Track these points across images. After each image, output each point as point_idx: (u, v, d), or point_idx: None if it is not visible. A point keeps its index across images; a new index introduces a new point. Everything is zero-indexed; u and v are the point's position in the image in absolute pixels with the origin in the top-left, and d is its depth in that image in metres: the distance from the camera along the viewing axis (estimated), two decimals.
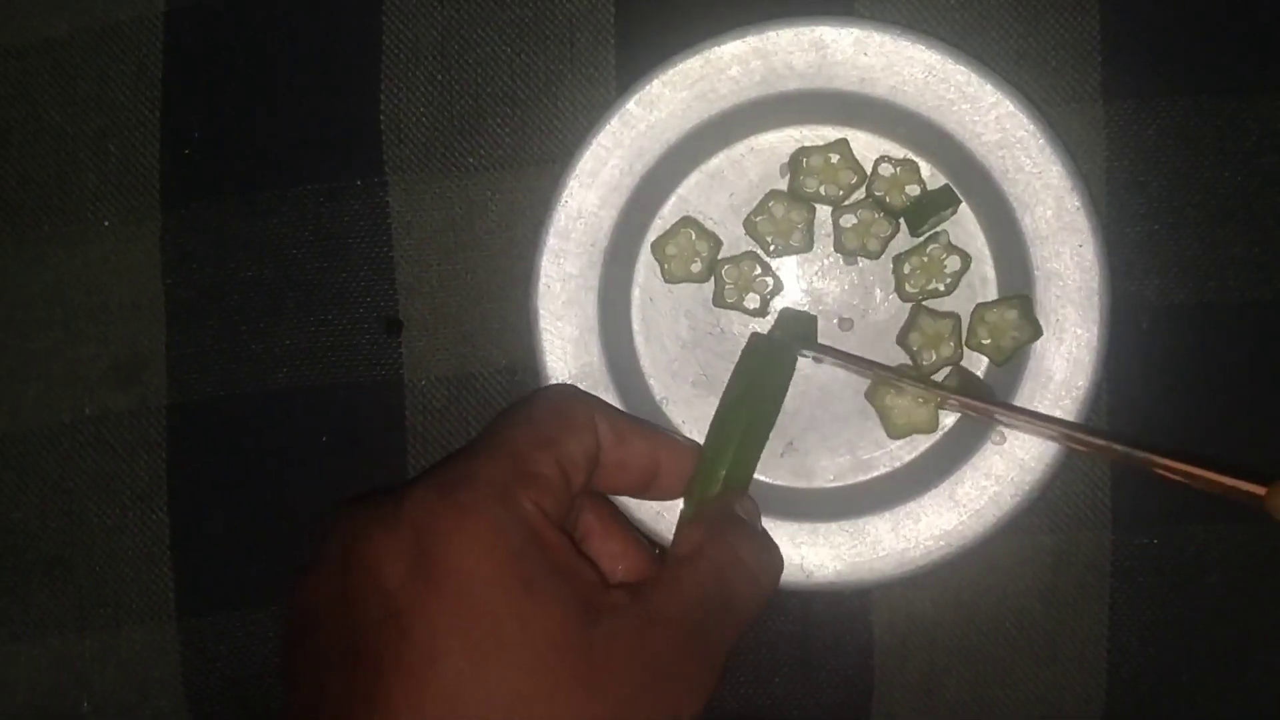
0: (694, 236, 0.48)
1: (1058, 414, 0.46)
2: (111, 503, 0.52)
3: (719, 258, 0.49)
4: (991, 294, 0.48)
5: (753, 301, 0.49)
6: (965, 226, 0.49)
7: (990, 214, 0.48)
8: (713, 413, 0.48)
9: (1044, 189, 0.46)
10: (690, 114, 0.47)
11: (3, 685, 0.53)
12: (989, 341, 0.47)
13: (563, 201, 0.47)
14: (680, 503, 0.45)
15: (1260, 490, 0.36)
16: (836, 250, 0.49)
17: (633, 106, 0.47)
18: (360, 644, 0.36)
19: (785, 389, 0.47)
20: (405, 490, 0.38)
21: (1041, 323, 0.46)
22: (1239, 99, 0.49)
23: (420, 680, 0.35)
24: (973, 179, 0.47)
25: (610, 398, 0.47)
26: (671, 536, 0.46)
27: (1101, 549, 0.50)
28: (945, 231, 0.48)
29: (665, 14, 0.50)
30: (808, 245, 0.49)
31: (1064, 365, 0.46)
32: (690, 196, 0.49)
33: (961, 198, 0.48)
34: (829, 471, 0.49)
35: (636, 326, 0.50)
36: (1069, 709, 0.50)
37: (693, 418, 0.49)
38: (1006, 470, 0.46)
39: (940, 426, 0.49)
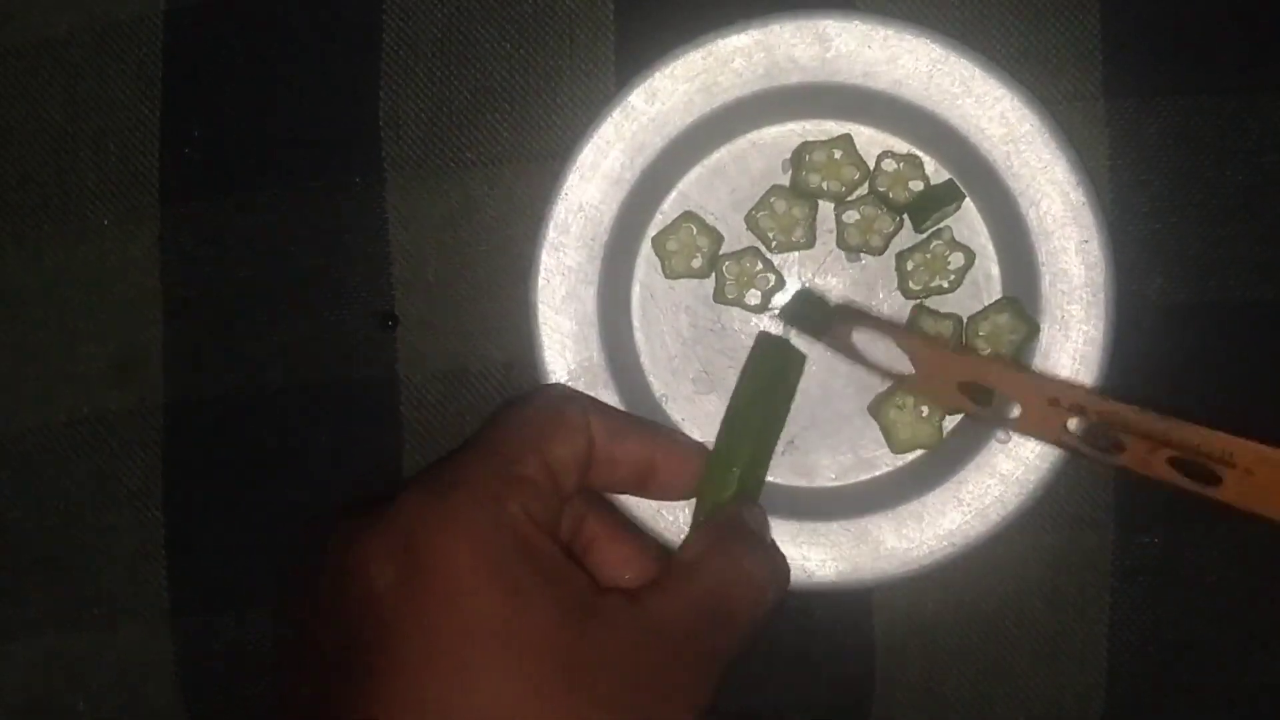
0: (695, 232, 0.48)
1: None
2: (107, 501, 0.52)
3: (720, 253, 0.49)
4: (996, 290, 0.48)
5: (754, 298, 0.48)
6: (969, 222, 0.48)
7: (994, 210, 0.48)
8: (712, 410, 0.48)
9: (1049, 184, 0.46)
10: (692, 107, 0.47)
11: None
12: (989, 351, 0.47)
13: (563, 195, 0.47)
14: (686, 505, 0.45)
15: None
16: (839, 246, 0.49)
17: (634, 99, 0.47)
18: (350, 648, 0.36)
19: (794, 390, 0.47)
20: (398, 494, 0.38)
21: (1046, 320, 0.46)
22: (1241, 98, 0.49)
23: (409, 684, 0.35)
24: (977, 174, 0.47)
25: (609, 394, 0.47)
26: (670, 535, 0.46)
27: (1103, 548, 0.50)
28: (949, 228, 0.48)
29: (665, 10, 0.50)
30: (810, 241, 0.48)
31: (1070, 362, 0.46)
32: (691, 191, 0.49)
33: (965, 193, 0.48)
34: (831, 470, 0.49)
35: (636, 322, 0.49)
36: (1069, 708, 0.50)
37: (693, 415, 0.49)
38: (1012, 469, 0.46)
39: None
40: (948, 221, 0.48)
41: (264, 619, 0.51)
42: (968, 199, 0.48)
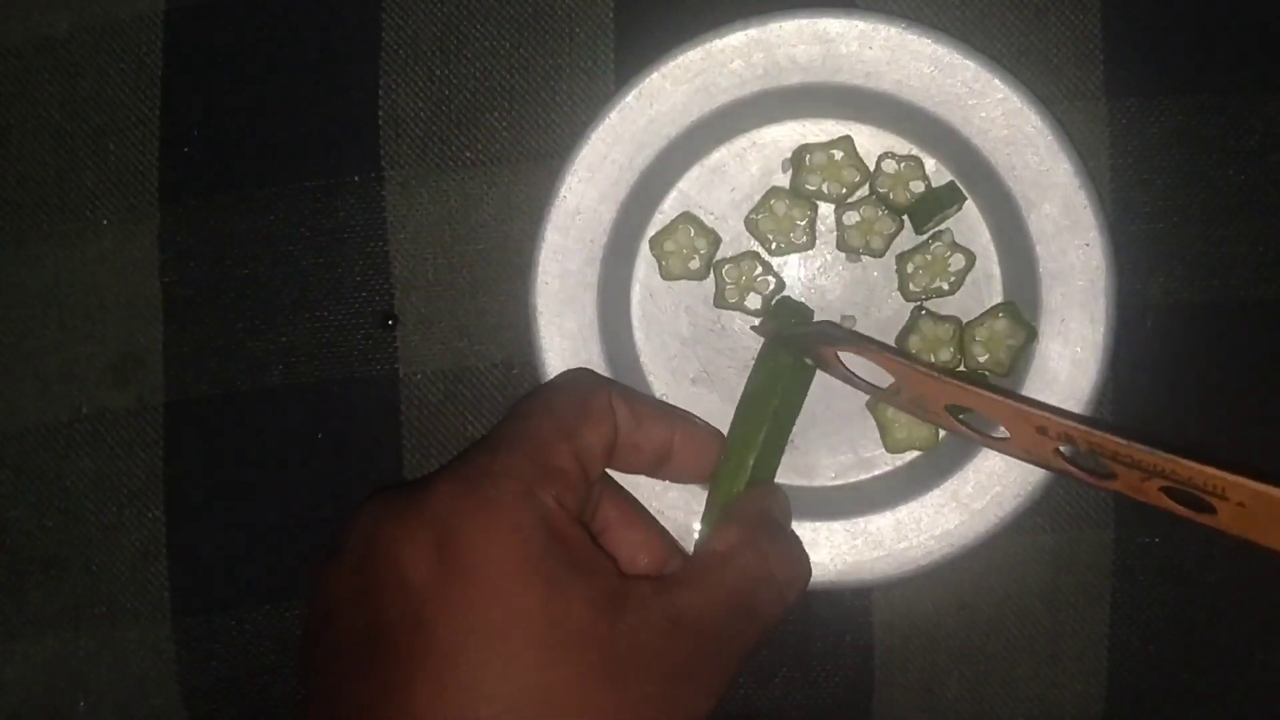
0: (693, 233, 0.48)
1: None
2: (108, 501, 0.52)
3: (719, 256, 0.48)
4: (997, 291, 0.48)
5: (754, 302, 0.48)
6: (970, 224, 0.48)
7: (996, 211, 0.47)
8: (712, 409, 0.48)
9: (1051, 187, 0.46)
10: (691, 108, 0.47)
11: None
12: (987, 357, 0.47)
13: (561, 196, 0.47)
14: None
15: None
16: (839, 248, 0.49)
17: (632, 100, 0.46)
18: (382, 637, 0.36)
19: (811, 376, 0.47)
20: (428, 484, 0.38)
21: (1046, 323, 0.46)
22: (1243, 97, 0.49)
23: (444, 674, 0.35)
24: (978, 176, 0.47)
25: None
26: (668, 512, 0.46)
27: (1103, 548, 0.50)
28: (949, 230, 0.48)
29: (664, 9, 0.50)
30: (810, 243, 0.48)
31: (1068, 366, 0.46)
32: (691, 191, 0.49)
33: (967, 195, 0.48)
34: (830, 469, 0.49)
35: (636, 322, 0.49)
36: (1069, 709, 0.50)
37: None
38: (1009, 470, 0.46)
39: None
40: (948, 223, 0.48)
41: (265, 618, 0.52)
42: (969, 200, 0.48)
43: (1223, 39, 0.49)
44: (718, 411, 0.48)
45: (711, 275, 0.49)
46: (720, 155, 0.49)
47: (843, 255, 0.49)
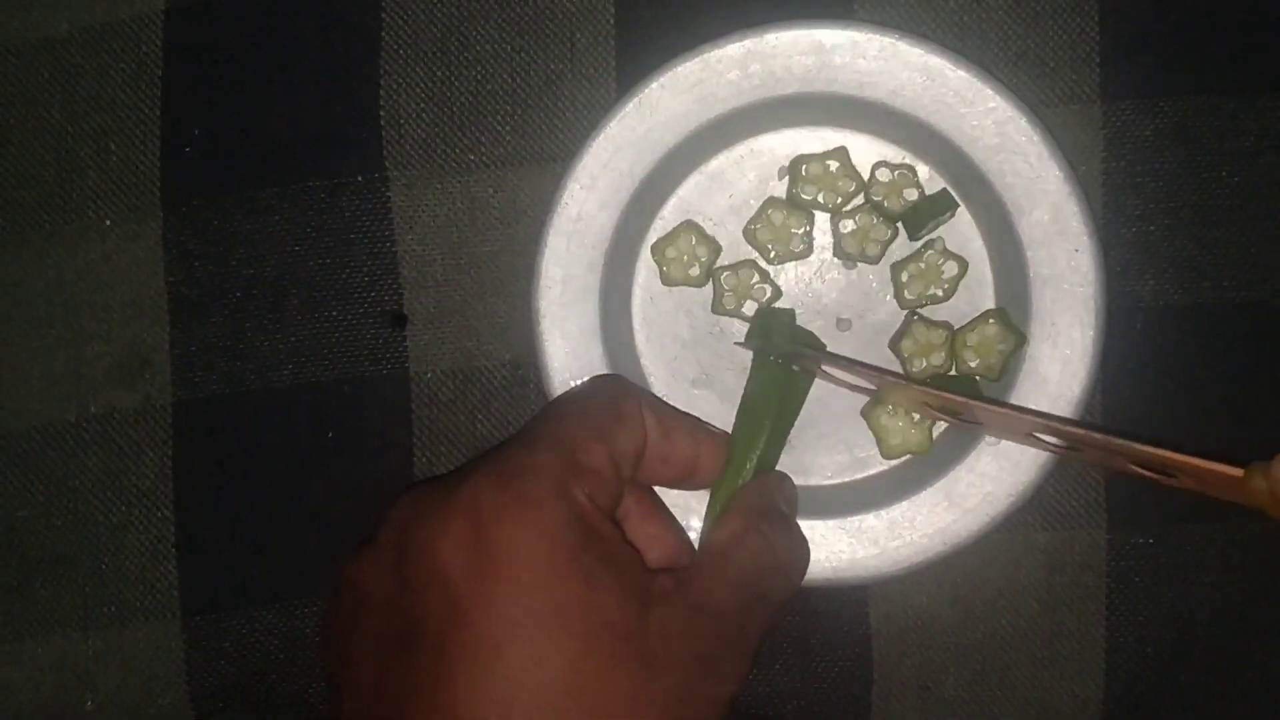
0: (694, 240, 0.49)
1: None
2: (116, 501, 0.53)
3: (718, 264, 0.49)
4: (989, 296, 0.49)
5: (751, 309, 0.49)
6: (963, 230, 0.49)
7: (988, 218, 0.48)
8: (711, 410, 0.49)
9: (1041, 194, 0.46)
10: (689, 117, 0.47)
11: (7, 683, 0.53)
12: (978, 362, 0.48)
13: (563, 203, 0.47)
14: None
15: (1237, 471, 0.36)
16: (836, 256, 0.49)
17: (632, 109, 0.47)
18: (420, 629, 0.37)
19: (810, 385, 0.48)
20: (464, 478, 0.39)
21: (1036, 328, 0.47)
22: (1237, 99, 0.49)
23: (483, 667, 0.35)
24: (971, 183, 0.47)
25: None
26: (672, 508, 0.47)
27: (1097, 549, 0.50)
28: (940, 238, 0.48)
29: (665, 12, 0.50)
30: (807, 251, 0.49)
31: (1058, 371, 0.47)
32: (690, 198, 0.50)
33: (960, 202, 0.48)
34: (826, 469, 0.50)
35: (637, 326, 0.50)
36: (1066, 708, 0.51)
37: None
38: (1000, 470, 0.47)
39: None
40: (940, 231, 0.49)
41: (274, 617, 0.52)
42: (962, 207, 0.48)
43: (1218, 42, 0.50)
44: (717, 413, 0.49)
45: (710, 282, 0.49)
46: (719, 163, 0.49)
47: (839, 262, 0.49)
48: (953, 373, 0.48)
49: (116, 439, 0.53)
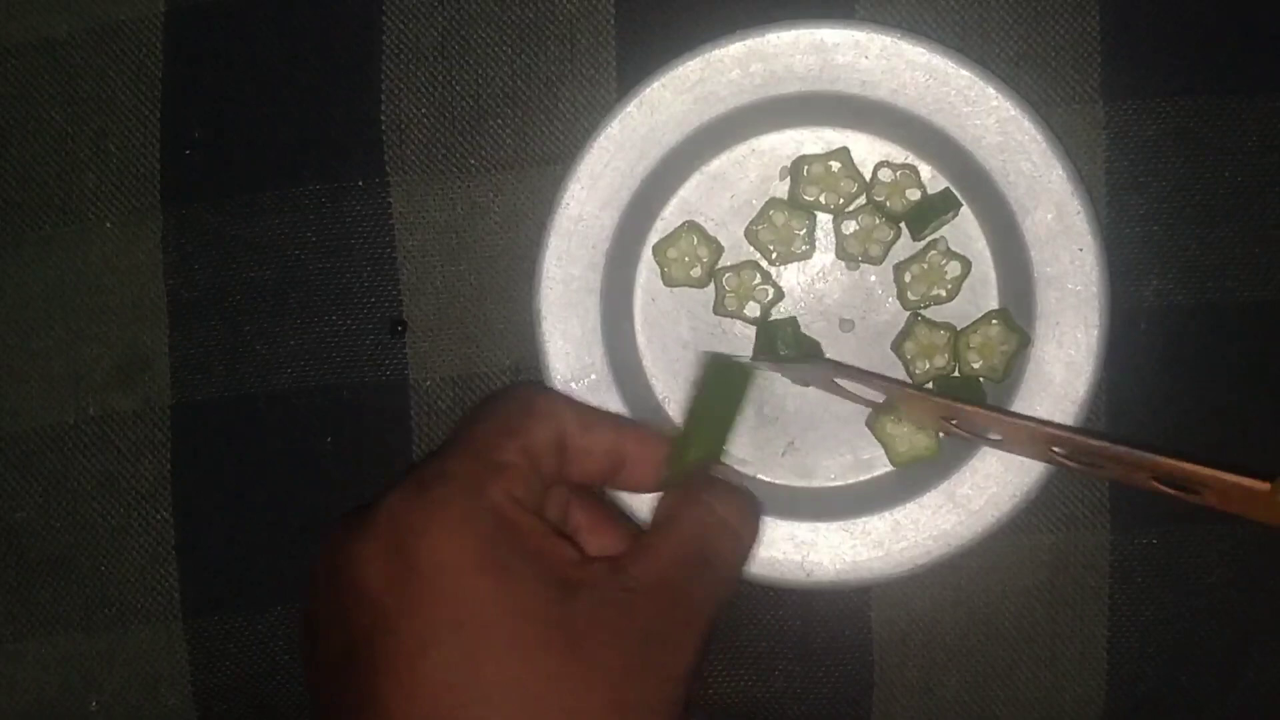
0: (695, 241, 0.49)
1: (1057, 419, 0.46)
2: (116, 503, 0.53)
3: (720, 264, 0.49)
4: (993, 296, 0.49)
5: (753, 310, 0.49)
6: (966, 230, 0.49)
7: (991, 218, 0.48)
8: None
9: (1044, 193, 0.46)
10: (690, 117, 0.47)
11: (10, 684, 0.53)
12: (981, 363, 0.47)
13: (564, 204, 0.47)
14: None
15: (1264, 486, 0.35)
16: (839, 257, 0.49)
17: (633, 109, 0.47)
18: (355, 649, 0.37)
19: (748, 377, 0.47)
20: (382, 497, 0.39)
21: (1040, 328, 0.46)
22: (1239, 99, 0.49)
23: (410, 675, 0.36)
24: (973, 183, 0.47)
25: (612, 398, 0.48)
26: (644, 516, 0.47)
27: (1100, 549, 0.50)
28: (944, 238, 0.48)
29: (665, 14, 0.50)
30: (809, 252, 0.49)
31: (1063, 370, 0.46)
32: (691, 198, 0.49)
33: (962, 201, 0.48)
34: (830, 471, 0.50)
35: (639, 327, 0.50)
36: (1069, 710, 0.51)
37: None
38: (1004, 471, 0.47)
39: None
40: (944, 231, 0.48)
41: (275, 618, 0.52)
42: (965, 207, 0.48)
43: (1220, 41, 0.50)
44: None
45: (712, 283, 0.49)
46: (720, 163, 0.49)
47: (842, 262, 0.49)
48: (955, 375, 0.48)
49: (115, 441, 0.53)
